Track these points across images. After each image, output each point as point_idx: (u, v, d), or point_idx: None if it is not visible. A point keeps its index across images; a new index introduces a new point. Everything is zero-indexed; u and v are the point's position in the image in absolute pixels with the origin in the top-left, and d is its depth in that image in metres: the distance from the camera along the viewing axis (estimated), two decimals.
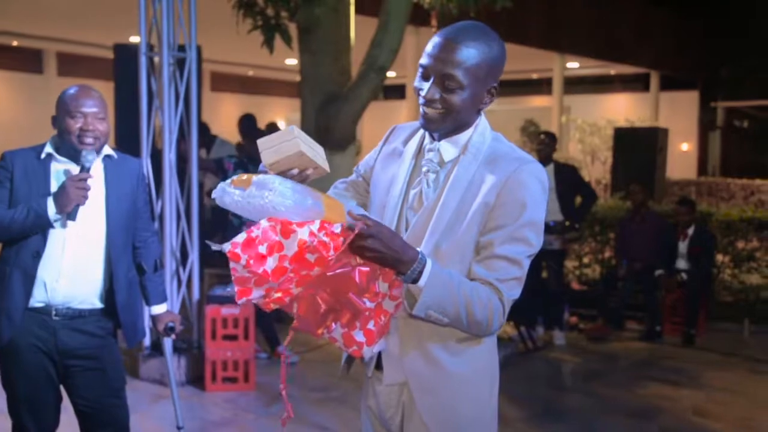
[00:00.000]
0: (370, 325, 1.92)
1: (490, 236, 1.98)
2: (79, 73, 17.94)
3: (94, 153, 2.97)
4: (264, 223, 1.76)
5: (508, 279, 1.98)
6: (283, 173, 1.90)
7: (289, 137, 1.87)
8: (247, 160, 6.41)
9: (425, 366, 2.05)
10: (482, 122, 2.09)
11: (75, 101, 2.98)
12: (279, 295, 1.81)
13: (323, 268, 1.78)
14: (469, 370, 2.08)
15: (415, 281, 1.89)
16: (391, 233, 1.86)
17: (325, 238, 1.76)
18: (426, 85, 1.99)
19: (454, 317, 1.93)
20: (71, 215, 2.91)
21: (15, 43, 17.81)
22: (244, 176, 1.86)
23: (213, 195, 1.90)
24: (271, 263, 1.75)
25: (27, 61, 18.65)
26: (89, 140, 2.96)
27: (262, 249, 1.75)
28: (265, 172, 1.90)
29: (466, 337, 2.05)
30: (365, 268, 1.85)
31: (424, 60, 2.00)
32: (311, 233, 1.76)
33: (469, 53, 1.95)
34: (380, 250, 1.83)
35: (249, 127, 7.78)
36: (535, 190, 1.98)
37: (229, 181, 1.88)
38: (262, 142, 1.88)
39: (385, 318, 1.94)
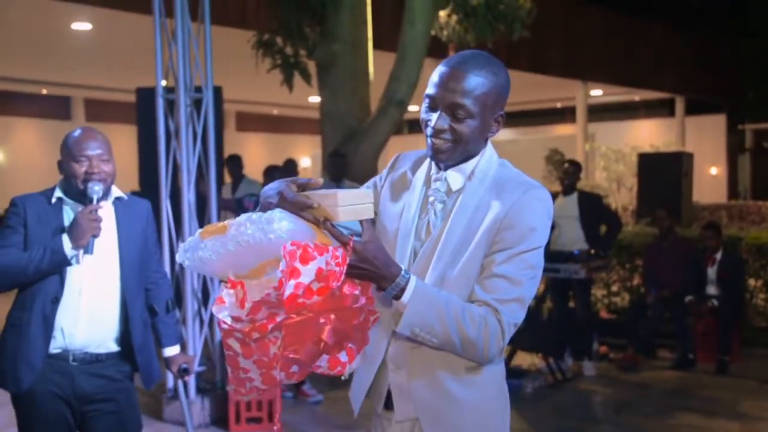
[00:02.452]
0: (350, 344, 1.88)
1: (491, 257, 1.95)
2: (106, 118, 18.27)
3: (99, 184, 2.95)
4: (289, 247, 1.71)
5: (508, 300, 1.93)
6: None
7: (366, 201, 1.84)
8: None
9: (435, 397, 2.01)
10: (489, 149, 2.08)
11: (78, 145, 2.98)
12: (264, 321, 1.77)
13: (322, 294, 1.74)
14: (480, 399, 2.03)
15: (397, 298, 1.85)
16: (375, 249, 1.82)
17: (335, 268, 1.73)
18: (434, 116, 1.97)
19: (444, 338, 1.89)
20: (87, 249, 2.90)
21: (44, 92, 18.18)
22: (214, 226, 1.83)
23: (179, 259, 1.87)
24: (288, 290, 1.71)
25: (56, 108, 19.02)
26: (95, 184, 2.95)
27: (278, 278, 1.71)
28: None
29: (476, 366, 2.01)
30: (355, 291, 1.81)
31: (431, 90, 1.98)
32: (327, 262, 1.73)
33: (478, 81, 1.94)
34: (363, 267, 1.80)
35: (235, 167, 7.95)
36: (540, 214, 1.96)
37: (196, 237, 1.84)
38: (342, 198, 1.80)
39: (365, 331, 1.89)
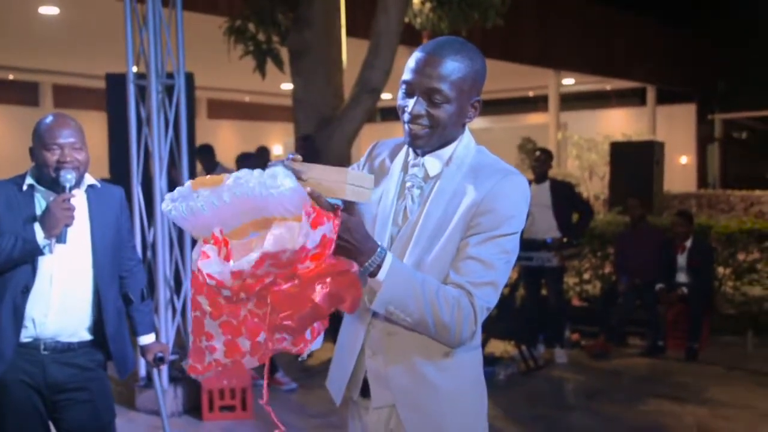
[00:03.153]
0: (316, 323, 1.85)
1: (465, 240, 1.95)
2: (75, 104, 18.04)
3: (72, 172, 2.90)
4: (307, 208, 1.68)
5: (481, 283, 1.93)
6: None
7: (368, 184, 1.81)
8: None
9: (412, 383, 2.01)
10: (466, 136, 2.08)
11: (50, 132, 2.92)
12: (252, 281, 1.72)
13: (316, 260, 1.72)
14: (458, 384, 2.04)
15: (373, 275, 1.84)
16: (356, 222, 1.81)
17: (333, 236, 1.72)
18: (411, 102, 1.97)
19: (417, 317, 1.89)
20: (60, 238, 2.86)
21: (11, 77, 17.91)
22: (206, 178, 1.78)
23: (164, 207, 1.80)
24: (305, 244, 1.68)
25: (23, 94, 18.76)
26: (68, 172, 2.90)
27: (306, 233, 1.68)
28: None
29: (453, 351, 2.01)
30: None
31: (407, 76, 1.98)
32: (331, 230, 1.71)
33: (454, 67, 1.94)
34: (344, 238, 1.78)
35: (207, 158, 7.93)
36: (517, 200, 1.97)
37: (187, 187, 1.79)
38: (352, 177, 1.77)
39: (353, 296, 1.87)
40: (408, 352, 2.00)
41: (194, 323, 1.83)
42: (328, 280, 1.76)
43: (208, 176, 1.81)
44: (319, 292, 1.75)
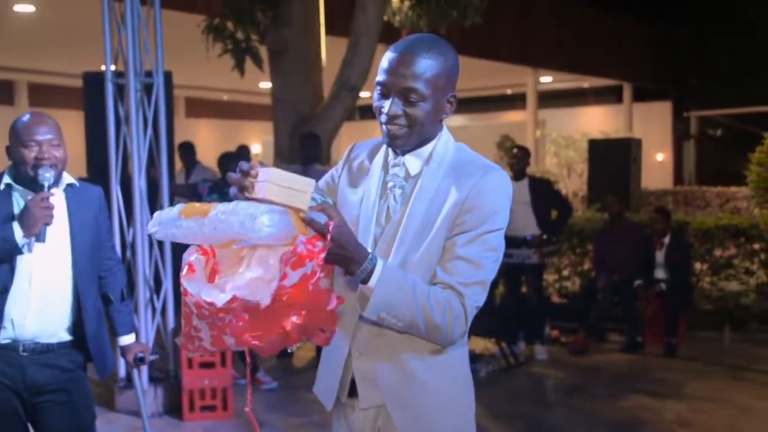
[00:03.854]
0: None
1: (452, 239, 1.96)
2: (51, 104, 17.84)
3: (50, 170, 2.88)
4: (288, 254, 1.71)
5: (471, 283, 1.94)
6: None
7: (304, 188, 1.78)
8: (223, 183, 6.33)
9: (401, 381, 2.01)
10: (445, 133, 2.08)
11: (28, 130, 2.89)
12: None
13: (297, 289, 1.73)
14: (445, 382, 2.05)
15: (365, 282, 1.85)
16: (347, 233, 1.82)
17: (317, 268, 1.73)
18: (387, 103, 1.96)
19: (409, 321, 1.89)
20: (39, 237, 2.83)
21: None
22: (195, 206, 1.80)
23: (151, 228, 1.84)
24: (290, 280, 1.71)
25: None
26: (46, 171, 2.87)
27: (276, 284, 1.72)
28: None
29: (441, 348, 2.01)
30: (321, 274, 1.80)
31: (381, 77, 1.97)
32: (313, 267, 1.73)
33: (427, 64, 1.93)
34: (338, 252, 1.79)
35: (187, 155, 7.88)
36: (499, 196, 1.98)
37: (174, 214, 1.81)
38: (275, 175, 1.76)
39: (330, 327, 1.88)
40: (396, 351, 2.00)
41: (184, 314, 1.85)
42: (304, 312, 1.78)
43: (198, 204, 1.82)
44: (291, 322, 1.78)
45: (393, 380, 2.01)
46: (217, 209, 1.76)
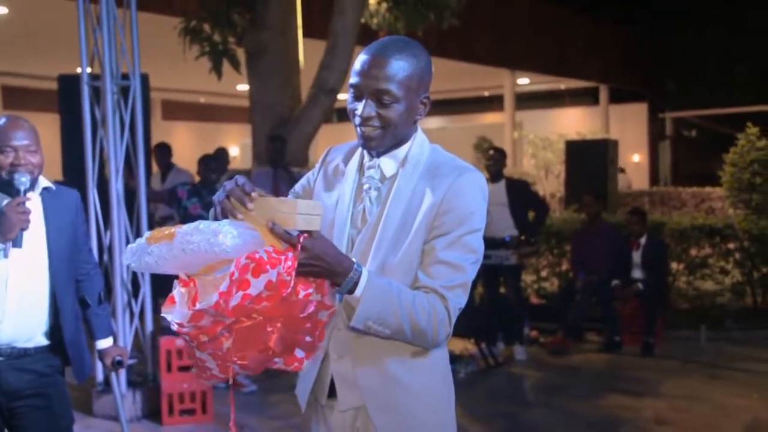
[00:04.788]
0: (308, 338, 1.88)
1: (432, 243, 1.97)
2: (26, 107, 17.65)
3: (26, 175, 2.85)
4: (243, 260, 1.71)
5: (453, 286, 1.95)
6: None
7: (316, 212, 1.81)
8: (201, 186, 6.30)
9: (382, 383, 2.01)
10: (419, 135, 2.09)
11: (3, 135, 2.86)
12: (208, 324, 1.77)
13: (272, 301, 1.75)
14: (427, 383, 2.06)
15: (351, 292, 1.85)
16: (324, 245, 1.82)
17: (286, 277, 1.73)
18: (360, 105, 1.97)
19: (396, 328, 1.90)
20: (16, 242, 2.80)
21: None
22: (161, 231, 1.81)
23: (126, 261, 1.86)
24: (234, 300, 1.71)
25: None
26: (22, 175, 2.85)
27: (225, 287, 1.71)
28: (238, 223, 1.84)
29: (421, 350, 2.02)
30: (308, 290, 1.80)
31: (354, 80, 1.98)
32: (279, 273, 1.72)
33: (400, 66, 1.94)
34: (314, 263, 1.79)
35: (162, 156, 7.86)
36: (476, 197, 1.99)
37: (142, 242, 1.83)
38: (302, 206, 1.78)
39: (320, 328, 1.90)
40: (377, 354, 2.01)
41: (187, 349, 1.89)
42: (279, 324, 1.80)
43: (162, 228, 1.83)
44: (270, 335, 1.80)
45: (374, 383, 2.01)
46: (182, 231, 1.77)
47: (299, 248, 1.76)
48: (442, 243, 1.95)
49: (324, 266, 1.80)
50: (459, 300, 1.97)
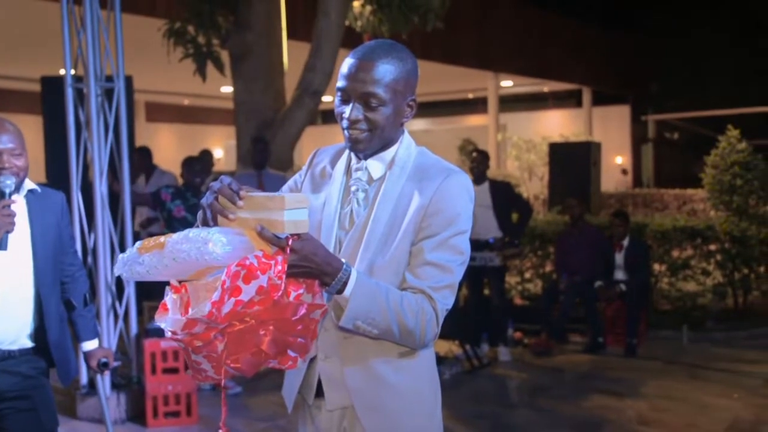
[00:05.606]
0: (300, 339, 1.90)
1: (420, 244, 1.99)
2: (8, 108, 17.53)
3: (11, 177, 2.85)
4: (234, 268, 1.72)
5: (440, 287, 1.98)
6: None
7: (303, 205, 1.82)
8: (185, 188, 6.29)
9: (369, 383, 2.03)
10: (406, 138, 2.12)
11: None
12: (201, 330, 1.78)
13: (264, 305, 1.76)
14: (413, 383, 2.08)
15: (340, 292, 1.87)
16: (313, 246, 1.83)
17: (277, 281, 1.74)
18: (347, 108, 2.00)
19: (384, 328, 1.92)
20: (1, 245, 2.80)
21: None
22: (151, 241, 1.82)
23: (117, 272, 1.87)
24: (226, 307, 1.73)
25: None
26: (7, 178, 2.84)
27: (218, 296, 1.73)
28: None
29: (408, 351, 2.04)
30: (299, 290, 1.82)
31: (341, 83, 2.01)
32: (269, 278, 1.74)
33: (386, 69, 1.97)
34: (304, 264, 1.80)
35: (144, 160, 7.86)
36: (462, 199, 2.02)
37: (134, 252, 1.84)
38: (289, 201, 1.78)
39: (313, 327, 1.91)
40: (364, 354, 2.02)
41: (183, 352, 1.89)
42: (271, 327, 1.82)
43: (152, 238, 1.84)
44: (262, 338, 1.82)
45: (361, 383, 2.03)
46: (171, 240, 1.78)
47: (288, 250, 1.77)
48: (429, 244, 1.98)
49: (313, 267, 1.82)
50: (446, 301, 1.99)
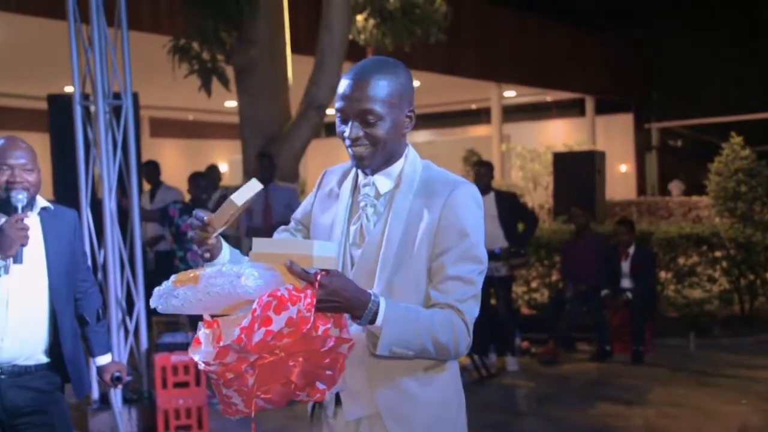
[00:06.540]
0: (329, 371, 1.95)
1: (440, 260, 2.04)
2: (15, 126, 17.61)
3: (23, 192, 2.91)
4: (265, 298, 1.79)
5: (466, 299, 2.03)
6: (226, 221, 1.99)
7: (333, 252, 1.94)
8: (193, 204, 6.35)
9: (397, 398, 2.07)
10: (411, 153, 2.16)
11: (1, 153, 2.92)
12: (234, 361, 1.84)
13: (293, 337, 1.82)
14: (440, 396, 2.12)
15: (372, 322, 1.91)
16: (342, 282, 1.88)
17: (306, 314, 1.80)
18: (347, 127, 2.05)
19: (419, 348, 1.97)
20: (17, 258, 2.85)
21: None
22: (189, 274, 1.91)
23: (153, 304, 1.95)
24: (256, 337, 1.79)
25: None
26: (18, 192, 2.90)
27: (248, 322, 1.79)
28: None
29: (433, 365, 2.09)
30: (327, 325, 1.87)
31: (339, 104, 2.07)
32: (299, 310, 1.80)
33: (379, 85, 2.03)
34: (332, 299, 1.86)
35: (151, 173, 7.92)
36: (472, 209, 2.07)
37: (169, 285, 1.92)
38: (317, 248, 1.89)
39: (341, 360, 1.96)
40: (390, 369, 2.06)
41: (213, 383, 1.95)
42: (301, 359, 1.87)
43: (188, 272, 1.93)
44: (292, 369, 1.88)
45: (389, 399, 2.07)
46: (205, 274, 1.87)
47: (317, 285, 1.83)
48: (448, 260, 2.03)
49: (341, 302, 1.87)
50: (473, 311, 2.05)
